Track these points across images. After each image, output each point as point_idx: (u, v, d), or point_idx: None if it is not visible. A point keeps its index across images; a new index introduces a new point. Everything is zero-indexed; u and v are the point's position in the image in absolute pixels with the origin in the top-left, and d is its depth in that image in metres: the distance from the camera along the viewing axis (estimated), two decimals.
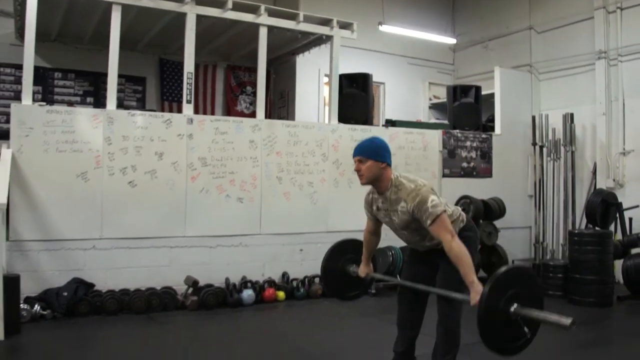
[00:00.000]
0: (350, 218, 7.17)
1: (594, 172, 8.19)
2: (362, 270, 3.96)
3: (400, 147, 7.64)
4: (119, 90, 6.20)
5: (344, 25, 7.29)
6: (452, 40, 9.61)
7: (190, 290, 6.01)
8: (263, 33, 6.74)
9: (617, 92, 7.99)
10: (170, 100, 8.51)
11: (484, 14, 10.11)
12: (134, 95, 8.34)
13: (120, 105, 6.12)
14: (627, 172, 7.87)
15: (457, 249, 3.21)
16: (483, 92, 8.57)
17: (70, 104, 7.45)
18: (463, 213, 3.65)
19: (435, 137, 7.99)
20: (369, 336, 5.12)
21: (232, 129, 6.50)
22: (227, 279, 6.30)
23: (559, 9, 8.81)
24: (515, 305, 2.94)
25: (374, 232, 3.87)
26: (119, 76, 6.10)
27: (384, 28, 8.73)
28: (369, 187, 3.64)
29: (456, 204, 7.66)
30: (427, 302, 3.74)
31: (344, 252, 4.15)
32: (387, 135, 7.53)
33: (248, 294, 6.22)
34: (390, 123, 7.80)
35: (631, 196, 7.53)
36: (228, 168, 6.44)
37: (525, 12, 9.32)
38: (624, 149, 7.91)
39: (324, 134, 7.11)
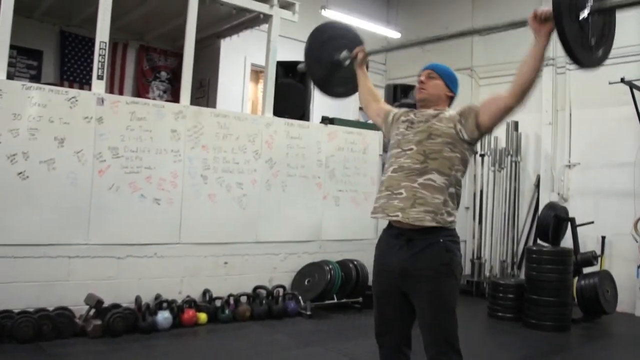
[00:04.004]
0: (283, 227, 6.31)
1: (537, 185, 7.76)
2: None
3: (339, 148, 6.85)
4: (9, 64, 4.95)
5: (285, 5, 6.39)
6: (396, 35, 8.96)
7: (93, 312, 4.84)
8: (193, 5, 5.71)
9: (564, 101, 7.63)
10: (71, 81, 7.18)
11: (422, 14, 9.56)
12: (27, 71, 6.94)
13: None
14: (572, 185, 7.50)
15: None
16: None
17: None
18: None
19: (375, 139, 7.22)
20: None
21: (151, 115, 5.40)
22: (138, 298, 5.17)
23: (503, 13, 8.32)
24: None
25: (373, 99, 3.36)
26: (10, 47, 4.86)
27: (326, 13, 7.90)
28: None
29: None
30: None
31: (331, 37, 3.56)
32: (325, 133, 6.75)
33: (164, 316, 5.11)
34: (328, 120, 6.95)
35: (575, 211, 7.09)
36: (144, 162, 5.33)
37: (466, 14, 8.84)
38: (569, 161, 7.53)
39: (257, 128, 6.14)
